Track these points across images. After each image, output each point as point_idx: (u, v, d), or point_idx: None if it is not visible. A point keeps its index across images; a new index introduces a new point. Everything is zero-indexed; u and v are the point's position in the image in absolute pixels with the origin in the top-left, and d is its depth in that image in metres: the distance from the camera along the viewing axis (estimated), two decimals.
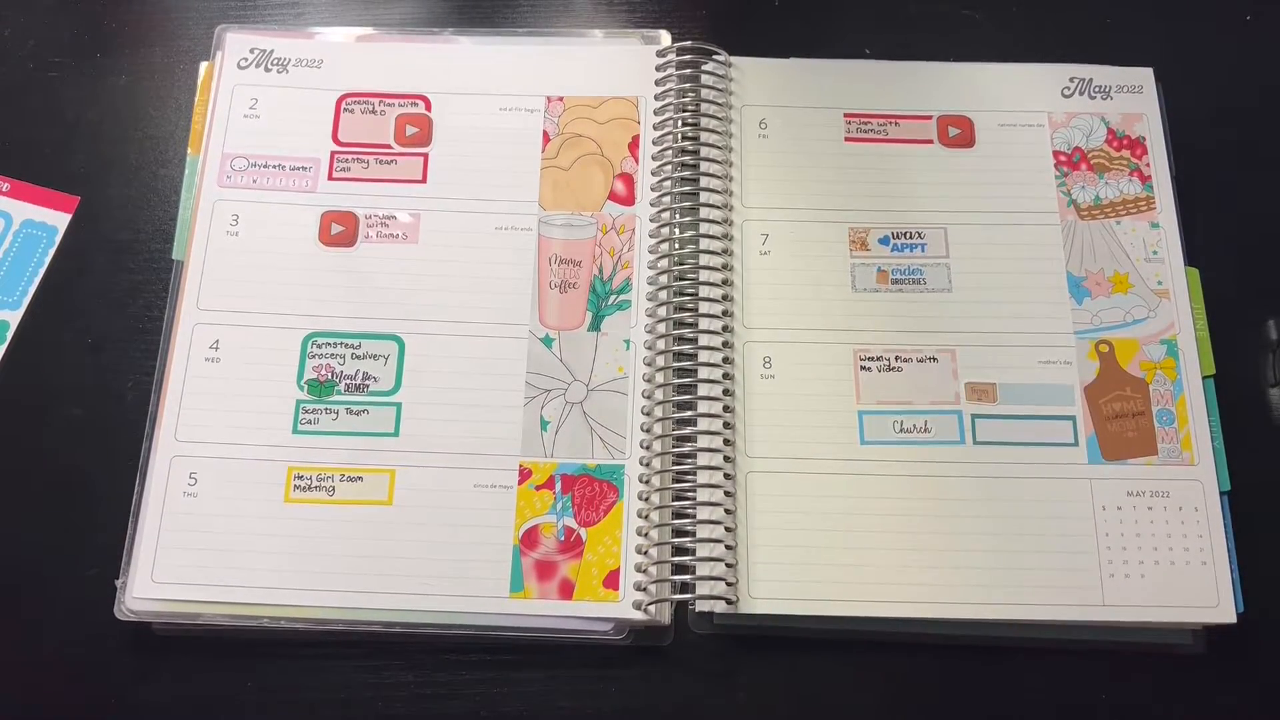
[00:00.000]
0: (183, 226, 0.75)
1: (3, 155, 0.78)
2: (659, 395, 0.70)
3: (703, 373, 0.71)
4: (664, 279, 0.73)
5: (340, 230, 0.75)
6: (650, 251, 0.74)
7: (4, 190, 0.77)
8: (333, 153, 0.77)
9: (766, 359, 0.72)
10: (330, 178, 0.76)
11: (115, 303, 0.75)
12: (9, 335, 0.73)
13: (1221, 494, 0.69)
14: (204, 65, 0.79)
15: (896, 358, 0.72)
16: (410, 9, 0.83)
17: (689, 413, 0.70)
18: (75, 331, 0.74)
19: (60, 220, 0.77)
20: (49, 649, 0.67)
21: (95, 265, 0.76)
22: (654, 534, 0.68)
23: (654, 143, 0.77)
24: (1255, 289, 0.76)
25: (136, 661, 0.67)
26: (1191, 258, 0.75)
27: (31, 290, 0.75)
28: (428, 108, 0.78)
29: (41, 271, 0.75)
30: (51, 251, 0.76)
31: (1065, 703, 0.67)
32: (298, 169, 0.76)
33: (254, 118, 0.77)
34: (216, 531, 0.68)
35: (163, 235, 0.76)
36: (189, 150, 0.77)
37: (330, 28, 0.81)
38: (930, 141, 0.78)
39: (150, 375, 0.71)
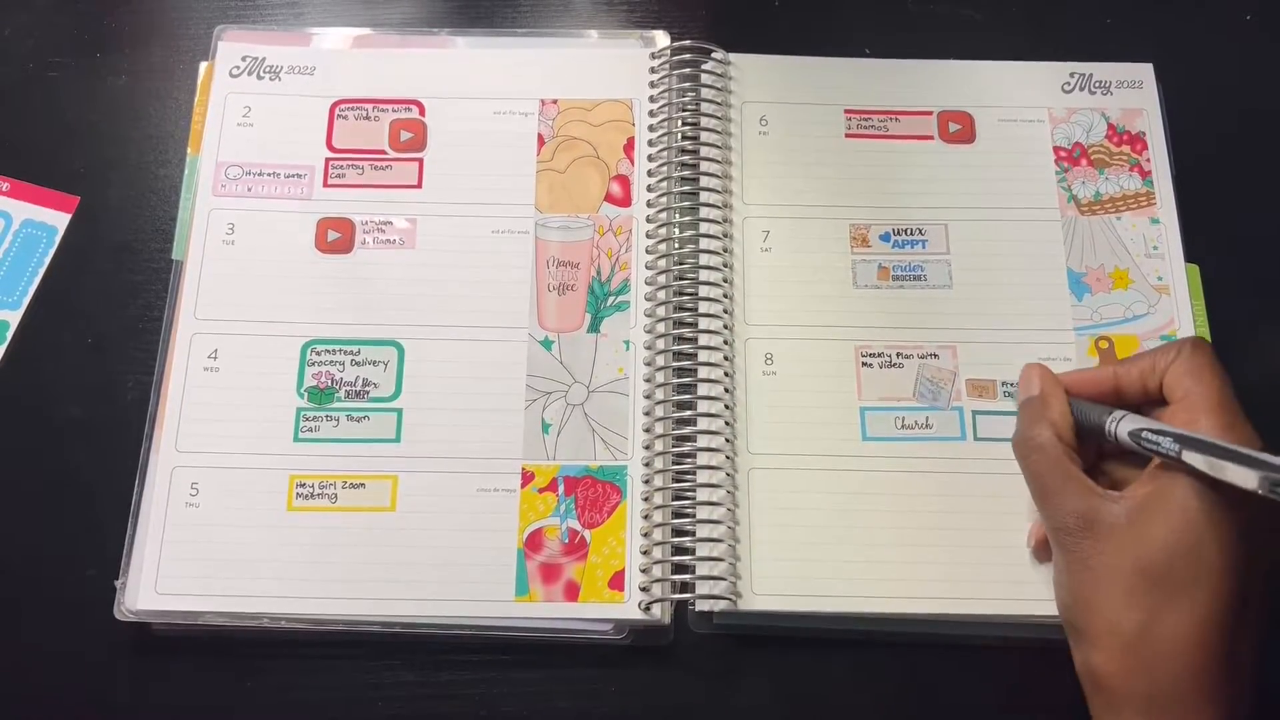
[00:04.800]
0: (182, 226, 0.75)
1: (3, 155, 0.78)
2: (660, 395, 0.70)
3: (703, 371, 0.71)
4: (663, 278, 0.73)
5: (337, 237, 0.75)
6: (649, 251, 0.74)
7: (4, 190, 0.77)
8: (327, 159, 0.77)
9: (768, 355, 0.72)
10: (325, 184, 0.76)
11: (115, 303, 0.75)
12: (9, 335, 0.73)
13: None
14: (204, 65, 0.79)
15: (898, 354, 0.72)
16: (410, 9, 0.83)
17: (690, 412, 0.70)
18: (75, 331, 0.74)
19: (60, 220, 0.77)
20: (49, 649, 0.67)
21: (95, 265, 0.76)
22: (657, 534, 0.68)
23: (650, 143, 0.77)
24: (1255, 286, 0.75)
25: (136, 662, 0.67)
26: (1191, 254, 0.75)
27: (31, 290, 0.75)
28: (421, 113, 0.78)
29: (41, 271, 0.75)
30: (51, 251, 0.76)
31: (1065, 702, 0.67)
32: (293, 176, 0.76)
33: (248, 126, 0.77)
34: (218, 541, 0.68)
35: (163, 235, 0.76)
36: (189, 150, 0.77)
37: (329, 28, 0.81)
38: (931, 138, 0.78)
39: (150, 375, 0.71)
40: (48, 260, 0.76)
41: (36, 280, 0.75)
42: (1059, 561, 0.59)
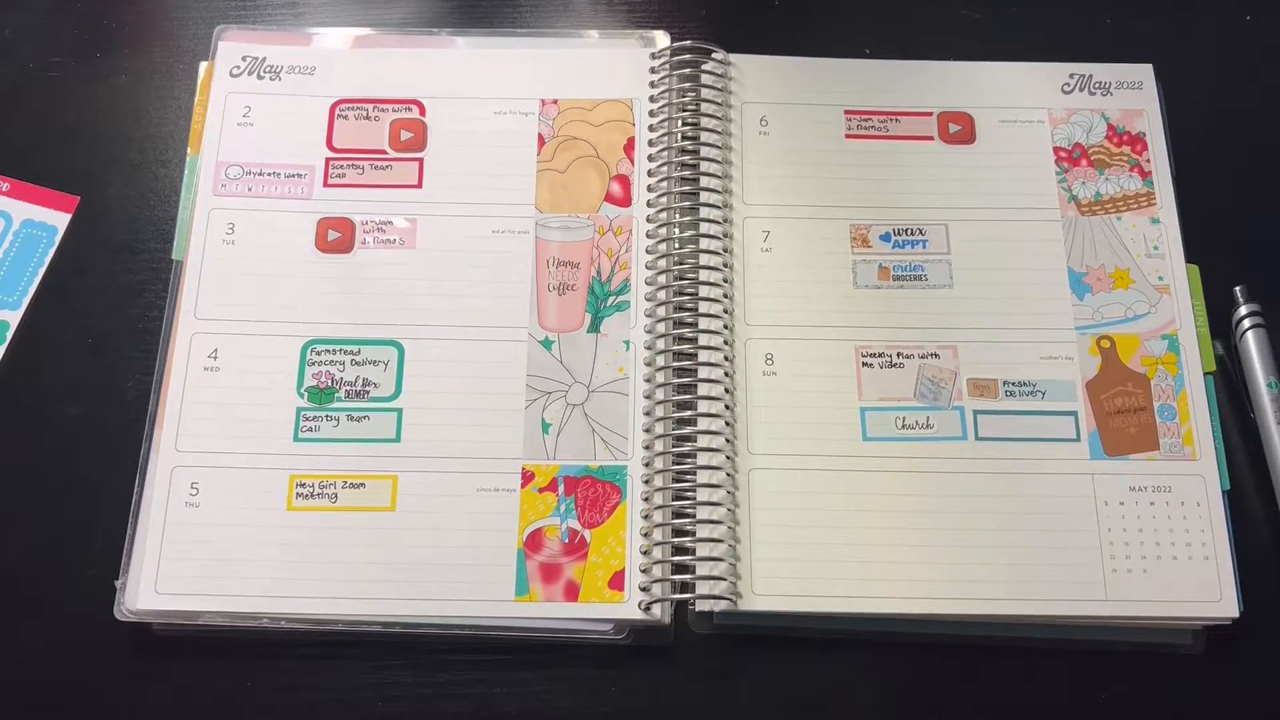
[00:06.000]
0: (182, 226, 0.75)
1: (3, 155, 0.78)
2: (660, 395, 0.70)
3: (703, 371, 0.71)
4: (663, 278, 0.73)
5: (337, 237, 0.75)
6: (649, 251, 0.74)
7: (4, 190, 0.77)
8: (328, 159, 0.77)
9: (769, 356, 0.72)
10: (326, 184, 0.76)
11: (115, 303, 0.75)
12: (9, 335, 0.73)
13: (1221, 493, 0.69)
14: (204, 65, 0.79)
15: (898, 354, 0.72)
16: (410, 9, 0.83)
17: (690, 412, 0.70)
18: (75, 331, 0.74)
19: (60, 220, 0.77)
20: (49, 649, 0.67)
21: (95, 265, 0.76)
22: (657, 534, 0.68)
23: (651, 143, 0.77)
24: (1255, 285, 0.75)
25: (136, 662, 0.67)
26: (1191, 254, 0.75)
27: (31, 290, 0.75)
28: (422, 112, 0.78)
29: (41, 271, 0.75)
30: (51, 251, 0.76)
31: (1065, 702, 0.67)
32: (293, 176, 0.76)
33: (248, 125, 0.77)
34: (219, 541, 0.68)
35: (163, 235, 0.76)
36: (189, 150, 0.77)
37: (329, 28, 0.81)
38: (931, 138, 0.78)
39: (150, 375, 0.71)
40: (48, 260, 0.76)
41: (36, 280, 0.75)
42: None
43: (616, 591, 0.67)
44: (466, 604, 0.67)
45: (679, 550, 0.68)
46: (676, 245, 0.74)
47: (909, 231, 0.75)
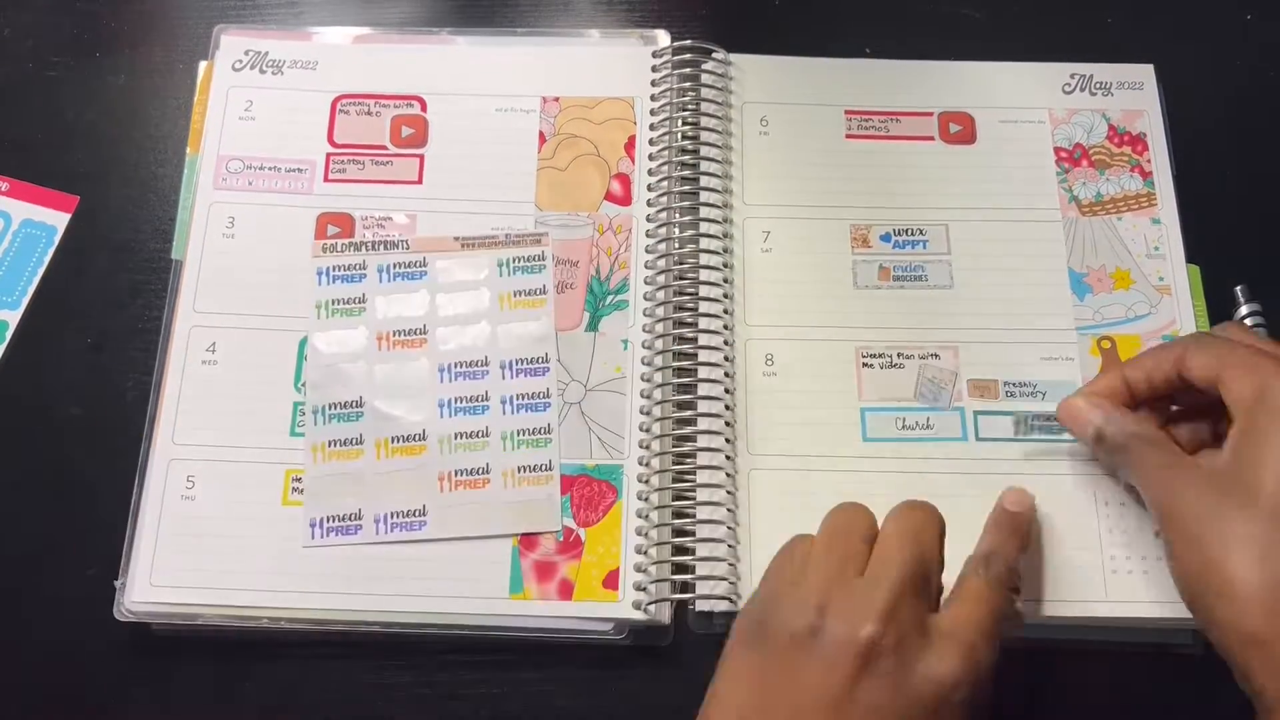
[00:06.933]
0: (182, 226, 0.75)
1: (3, 155, 0.78)
2: (658, 395, 0.70)
3: (703, 371, 0.71)
4: (663, 278, 0.73)
5: (336, 232, 0.75)
6: (648, 251, 0.74)
7: (3, 190, 0.77)
8: (328, 154, 0.77)
9: (768, 356, 0.72)
10: (326, 179, 0.76)
11: (115, 303, 0.75)
12: (9, 335, 0.73)
13: None
14: (203, 65, 0.79)
15: (899, 354, 0.72)
16: (409, 8, 0.83)
17: (690, 412, 0.70)
18: (75, 331, 0.74)
19: (60, 220, 0.77)
20: (49, 649, 0.67)
21: (95, 265, 0.76)
22: (654, 534, 0.68)
23: (651, 142, 0.77)
24: (1255, 286, 0.75)
25: (136, 661, 0.67)
26: (1192, 254, 0.75)
27: (31, 290, 0.75)
28: (423, 108, 0.78)
29: (41, 271, 0.75)
30: (51, 251, 0.76)
31: (1065, 702, 0.67)
32: (293, 171, 0.76)
33: (249, 120, 0.77)
34: (214, 535, 0.68)
35: (162, 235, 0.76)
36: (189, 149, 0.77)
37: (328, 27, 0.81)
38: (931, 138, 0.78)
39: (150, 375, 0.71)
40: (47, 260, 0.75)
41: (36, 280, 0.75)
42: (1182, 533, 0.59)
43: (611, 590, 0.67)
44: (461, 600, 0.67)
45: (679, 550, 0.68)
46: (676, 245, 0.74)
47: (909, 232, 0.75)
